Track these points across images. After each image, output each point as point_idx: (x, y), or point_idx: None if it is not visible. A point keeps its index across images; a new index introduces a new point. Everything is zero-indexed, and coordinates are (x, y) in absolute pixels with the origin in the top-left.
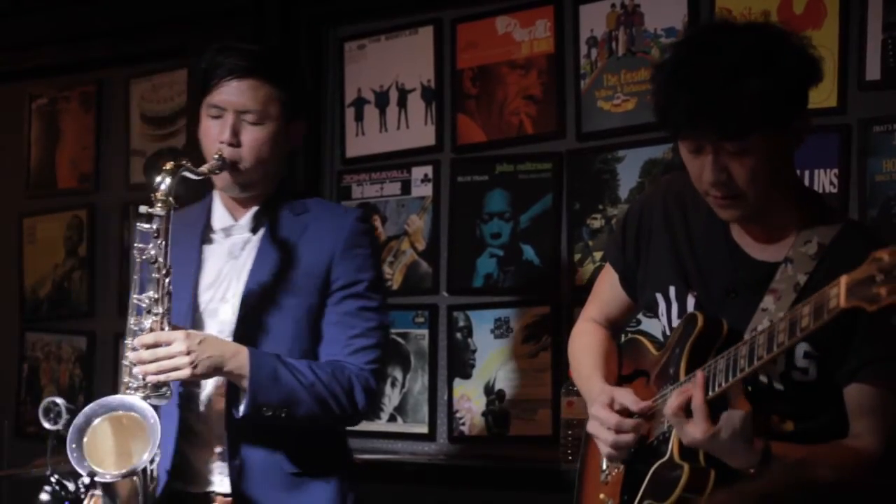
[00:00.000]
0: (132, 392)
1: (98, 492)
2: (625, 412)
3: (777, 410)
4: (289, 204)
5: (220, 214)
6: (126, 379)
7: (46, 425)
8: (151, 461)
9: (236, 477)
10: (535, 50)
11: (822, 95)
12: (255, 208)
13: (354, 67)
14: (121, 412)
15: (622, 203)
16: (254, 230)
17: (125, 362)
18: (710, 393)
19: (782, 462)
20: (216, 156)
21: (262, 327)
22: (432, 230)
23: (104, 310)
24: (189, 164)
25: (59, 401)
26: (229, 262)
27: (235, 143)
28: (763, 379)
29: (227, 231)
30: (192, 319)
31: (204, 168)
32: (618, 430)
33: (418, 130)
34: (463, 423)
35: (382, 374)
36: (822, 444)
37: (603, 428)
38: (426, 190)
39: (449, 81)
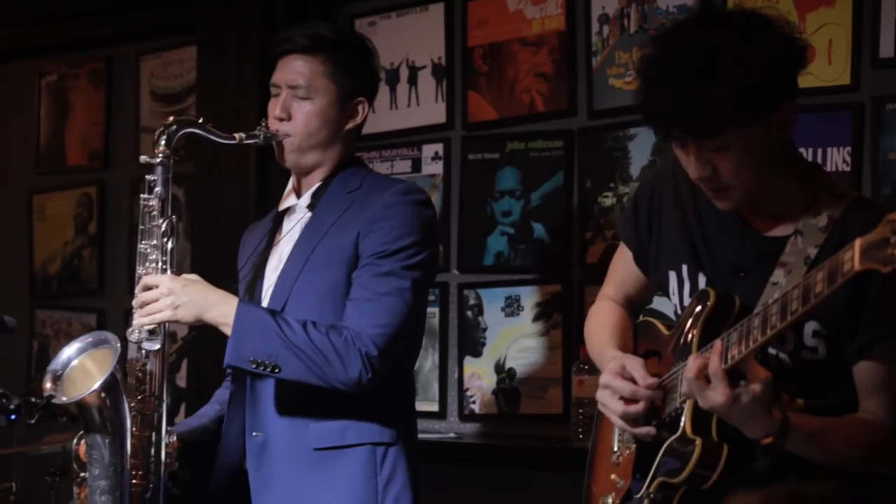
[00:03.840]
0: (132, 334)
1: (83, 441)
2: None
3: (787, 388)
4: (345, 181)
5: (287, 197)
6: (130, 325)
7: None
8: (141, 407)
9: (255, 452)
10: (547, 27)
11: (835, 73)
12: (316, 185)
13: None
14: (95, 351)
15: (634, 181)
16: (311, 207)
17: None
18: (725, 364)
19: (799, 432)
20: (259, 127)
21: (289, 302)
22: (443, 208)
23: (114, 287)
24: (206, 124)
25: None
26: (286, 240)
27: (285, 117)
28: (773, 356)
29: (291, 210)
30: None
31: (237, 135)
32: (630, 400)
33: (429, 108)
34: (473, 402)
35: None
36: (838, 417)
37: (614, 398)
38: (437, 168)
39: (460, 59)
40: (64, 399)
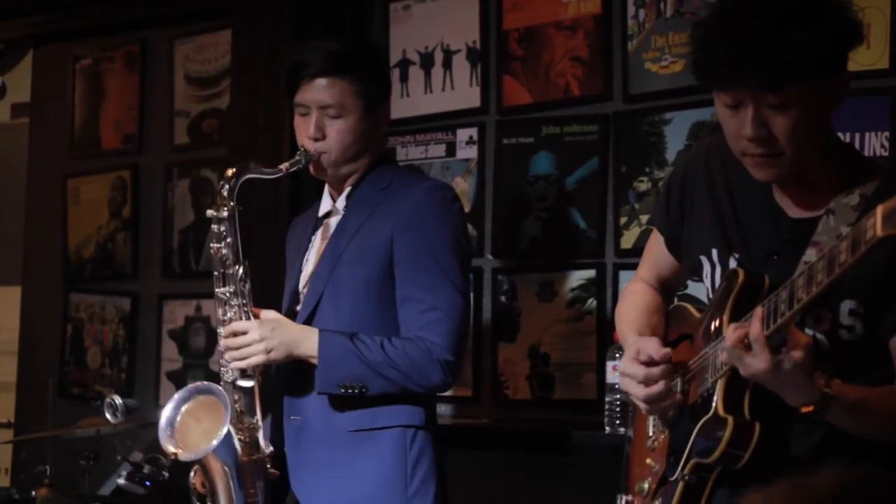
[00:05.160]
0: (226, 373)
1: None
2: (652, 363)
3: (823, 369)
4: (376, 179)
5: (325, 201)
6: (222, 364)
7: (109, 417)
8: (249, 434)
9: (293, 434)
10: (583, 11)
11: (874, 57)
12: (350, 187)
13: (399, 28)
14: (202, 397)
15: (669, 166)
16: (346, 209)
17: (219, 349)
18: (766, 330)
19: (841, 402)
20: (298, 153)
21: (324, 297)
22: (477, 193)
23: (148, 271)
24: (256, 167)
25: (118, 400)
26: (325, 241)
27: (320, 136)
28: (809, 337)
29: (329, 214)
30: (293, 301)
31: (284, 165)
32: (646, 382)
33: (463, 92)
34: (507, 387)
35: (463, 344)
36: (879, 387)
37: (633, 382)
38: (471, 152)
39: (495, 42)
40: (189, 456)
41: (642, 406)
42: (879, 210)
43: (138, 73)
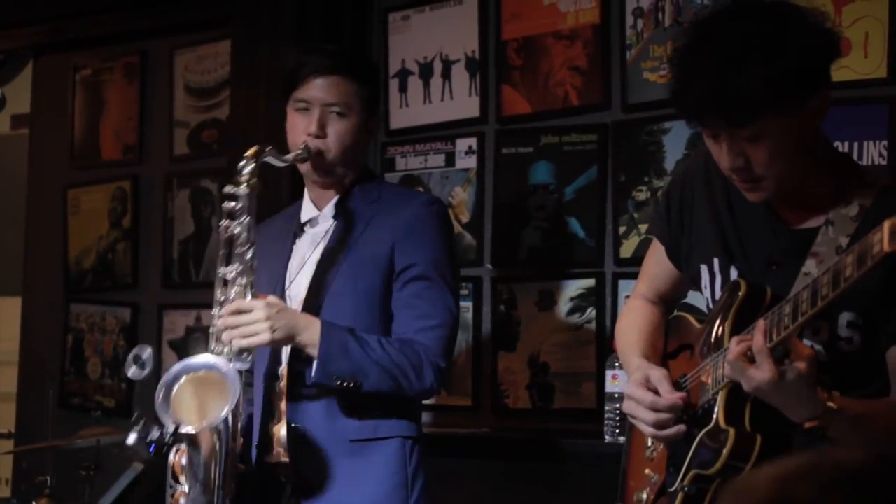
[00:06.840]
0: (222, 355)
1: (183, 445)
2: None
3: (822, 381)
4: (364, 193)
5: (307, 208)
6: (213, 345)
7: (132, 373)
8: (234, 421)
9: (294, 443)
10: (581, 21)
11: (872, 66)
12: (335, 198)
13: (398, 38)
14: (204, 372)
15: (668, 175)
16: (335, 217)
17: (212, 330)
18: (770, 343)
19: (844, 416)
20: (301, 146)
21: (324, 307)
22: (476, 202)
23: (148, 281)
24: (272, 151)
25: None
26: (312, 249)
27: (322, 134)
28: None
29: (313, 222)
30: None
31: (289, 156)
32: (654, 409)
33: (462, 102)
34: (507, 396)
35: (452, 352)
36: (879, 400)
37: (640, 407)
38: (470, 162)
39: (493, 52)
40: (191, 429)
41: (648, 430)
42: (887, 225)
43: (138, 83)
